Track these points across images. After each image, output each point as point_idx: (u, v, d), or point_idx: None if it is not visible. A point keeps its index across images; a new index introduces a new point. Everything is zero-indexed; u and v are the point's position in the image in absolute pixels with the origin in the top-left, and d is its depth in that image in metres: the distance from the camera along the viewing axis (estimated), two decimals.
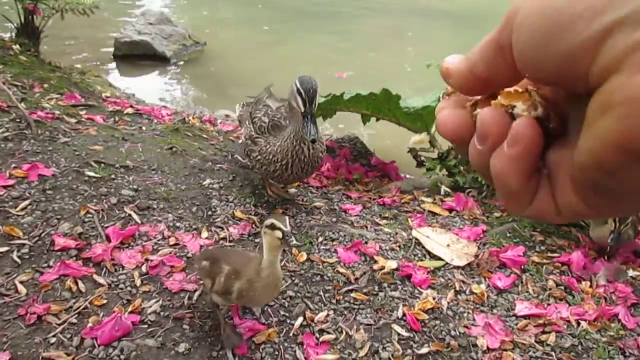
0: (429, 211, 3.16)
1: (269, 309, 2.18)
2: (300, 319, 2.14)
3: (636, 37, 0.34)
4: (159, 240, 2.50)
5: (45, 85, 4.32)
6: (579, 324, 2.30)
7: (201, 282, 2.18)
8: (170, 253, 2.41)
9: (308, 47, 8.32)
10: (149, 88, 6.17)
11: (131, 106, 4.32)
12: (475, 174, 3.45)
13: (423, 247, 2.71)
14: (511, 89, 0.46)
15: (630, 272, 2.72)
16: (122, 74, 6.48)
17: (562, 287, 2.55)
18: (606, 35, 0.35)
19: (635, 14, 0.34)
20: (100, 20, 8.32)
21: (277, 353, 1.98)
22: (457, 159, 3.63)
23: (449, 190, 3.46)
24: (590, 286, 2.58)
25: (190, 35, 7.45)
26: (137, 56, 6.80)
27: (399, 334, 2.14)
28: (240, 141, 4.02)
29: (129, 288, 2.20)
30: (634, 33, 0.34)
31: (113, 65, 6.73)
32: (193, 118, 4.47)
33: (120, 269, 2.30)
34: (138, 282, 2.23)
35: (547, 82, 0.44)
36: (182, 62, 7.12)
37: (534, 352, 2.13)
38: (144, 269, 2.30)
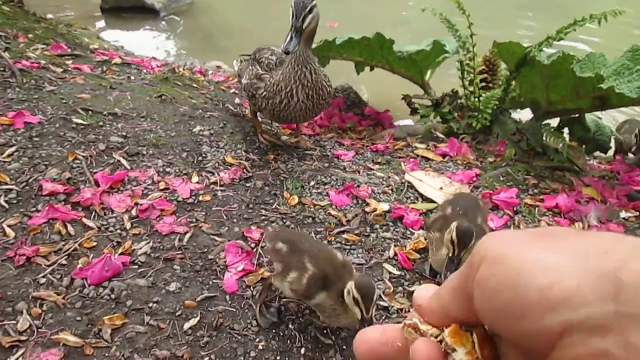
0: (422, 156, 3.14)
1: (259, 250, 2.17)
2: None
3: (591, 347, 0.34)
4: (148, 185, 2.47)
5: (30, 36, 4.21)
6: None
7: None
8: (160, 197, 2.39)
9: None
10: (138, 41, 6.02)
11: (120, 57, 4.23)
12: (470, 120, 3.41)
13: (415, 190, 2.70)
14: (461, 328, 0.46)
15: (623, 214, 2.72)
16: (111, 27, 6.32)
17: None
18: (562, 334, 0.36)
19: (589, 320, 0.35)
20: None
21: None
22: (451, 106, 3.58)
23: (442, 136, 3.43)
24: (583, 227, 2.58)
25: None
26: (125, 9, 6.62)
27: (390, 273, 2.14)
28: (233, 91, 3.95)
29: (118, 231, 2.18)
30: (588, 341, 0.35)
31: (101, 18, 6.56)
32: (184, 69, 4.38)
33: (110, 212, 2.28)
34: (128, 225, 2.21)
35: (504, 336, 0.44)
36: (172, 15, 6.94)
37: None
38: (133, 212, 2.28)
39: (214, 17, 7.01)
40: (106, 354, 1.67)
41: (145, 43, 6.00)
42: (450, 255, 1.76)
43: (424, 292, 0.51)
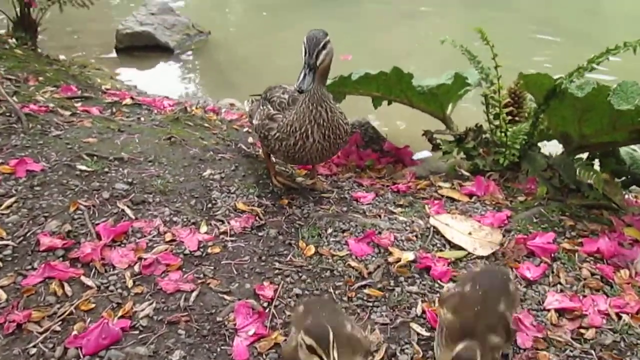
0: (447, 197, 2.93)
1: (273, 310, 1.97)
2: None
3: None
4: (153, 237, 2.30)
5: (41, 79, 4.15)
6: (619, 317, 2.06)
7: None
8: (166, 250, 2.22)
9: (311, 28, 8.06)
10: (152, 80, 5.97)
11: (131, 97, 4.13)
12: (496, 156, 3.20)
13: (442, 236, 2.48)
14: None
15: None
16: (125, 66, 6.29)
17: (598, 277, 2.30)
18: None
19: None
20: (104, 14, 8.17)
21: (282, 359, 1.78)
22: (476, 141, 3.38)
23: (467, 174, 3.22)
24: (630, 275, 2.33)
25: (194, 25, 7.23)
26: (139, 48, 6.60)
27: (418, 334, 1.92)
28: (246, 129, 3.81)
29: (119, 290, 2.00)
30: None
31: (115, 58, 6.55)
32: (196, 108, 4.27)
33: (111, 269, 2.10)
34: (130, 283, 2.03)
35: None
36: (186, 53, 6.92)
37: (572, 351, 1.90)
38: (136, 268, 2.11)
39: (228, 54, 6.96)
40: None
41: (159, 82, 5.94)
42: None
43: None
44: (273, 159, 2.93)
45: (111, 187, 2.58)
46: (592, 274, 2.31)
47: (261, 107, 2.69)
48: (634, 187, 3.52)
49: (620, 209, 3.01)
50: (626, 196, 3.41)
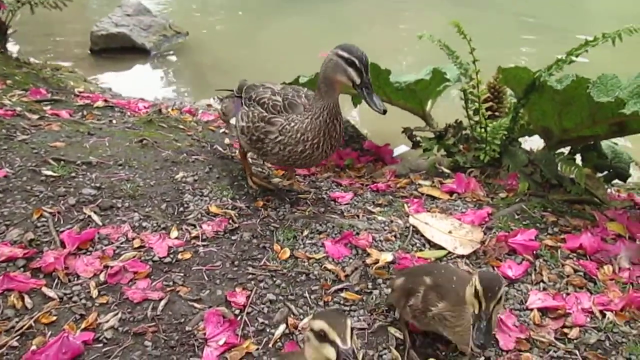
0: (427, 195, 2.86)
1: (245, 317, 1.88)
2: (282, 326, 1.84)
3: None
4: (121, 244, 2.20)
5: (9, 82, 4.02)
6: (604, 315, 2.00)
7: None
8: (134, 257, 2.11)
9: (291, 30, 7.96)
10: (128, 82, 5.84)
11: (105, 100, 4.01)
12: (477, 152, 3.14)
13: (422, 235, 2.41)
14: None
15: None
16: (100, 69, 6.15)
17: (581, 274, 2.25)
18: None
19: None
20: (79, 15, 8.00)
21: None
22: (456, 138, 3.33)
23: (448, 171, 3.16)
24: (613, 271, 2.28)
25: (171, 26, 7.11)
26: (115, 49, 6.47)
27: (397, 338, 1.84)
28: (222, 130, 3.71)
29: (83, 301, 1.90)
30: None
31: (90, 60, 6.40)
32: (172, 109, 4.17)
33: (75, 278, 2.00)
34: (94, 293, 1.93)
35: None
36: (163, 54, 6.79)
37: (555, 352, 1.83)
38: (102, 277, 2.01)
39: (205, 55, 6.85)
40: None
41: (135, 84, 5.82)
42: (477, 312, 1.45)
43: None
44: (249, 159, 2.84)
45: (78, 193, 2.47)
46: (575, 271, 2.26)
47: (247, 109, 2.56)
48: (616, 181, 3.50)
49: (602, 203, 2.97)
50: (608, 190, 3.37)
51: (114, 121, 3.54)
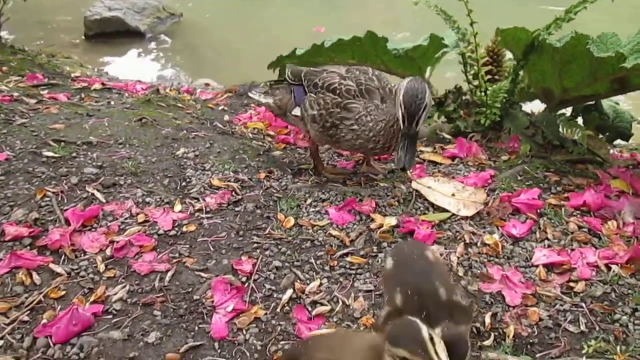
0: (429, 161, 2.85)
1: (252, 284, 1.89)
2: (290, 291, 1.86)
3: None
4: (125, 219, 2.21)
5: (5, 68, 4.00)
6: (609, 268, 2.00)
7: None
8: (139, 232, 2.12)
9: (285, 8, 7.87)
10: (124, 66, 5.83)
11: (102, 83, 3.99)
12: (478, 117, 3.13)
13: (425, 199, 2.41)
14: None
15: None
16: (96, 54, 6.13)
17: (586, 230, 2.25)
18: None
19: None
20: (71, 1, 7.92)
21: (264, 333, 1.71)
22: (456, 104, 3.30)
23: (449, 137, 3.15)
24: (617, 226, 2.28)
25: (165, 7, 7.05)
26: (109, 34, 6.43)
27: None
28: (222, 107, 3.69)
29: (91, 275, 1.91)
30: None
31: (85, 45, 6.37)
32: (170, 90, 4.14)
33: (82, 254, 2.01)
34: (101, 268, 1.94)
35: None
36: (158, 36, 6.74)
37: (562, 305, 1.85)
38: (108, 252, 2.02)
39: (201, 35, 6.80)
40: None
41: (131, 67, 5.80)
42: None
43: None
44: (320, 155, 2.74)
45: (80, 172, 2.48)
46: (580, 227, 2.26)
47: (315, 96, 2.46)
48: (618, 141, 3.49)
49: (605, 162, 2.96)
50: (611, 151, 3.36)
51: (112, 102, 3.52)
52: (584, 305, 1.84)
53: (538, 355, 1.68)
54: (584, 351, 1.68)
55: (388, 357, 1.07)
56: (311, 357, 1.23)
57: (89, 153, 2.65)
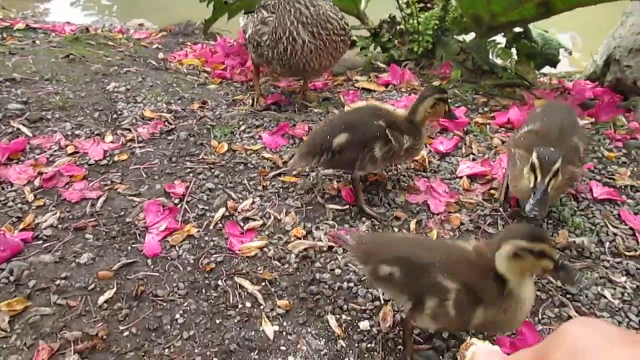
0: (363, 88, 2.89)
1: (185, 205, 1.91)
2: (222, 210, 1.89)
3: None
4: (54, 152, 2.17)
5: None
6: None
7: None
8: (69, 162, 2.09)
9: None
10: (54, 10, 5.51)
11: (27, 24, 3.79)
12: (411, 45, 3.17)
13: None
14: None
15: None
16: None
17: None
18: None
19: None
20: None
21: (196, 248, 1.74)
22: (390, 33, 3.33)
23: (384, 66, 3.18)
24: None
25: None
26: None
27: (334, 211, 1.92)
28: (155, 46, 3.59)
29: (19, 205, 1.88)
30: None
31: None
32: (102, 30, 3.98)
33: (9, 186, 1.97)
34: (30, 198, 1.91)
35: None
36: None
37: (482, 210, 1.96)
38: (36, 183, 1.98)
39: None
40: (4, 345, 1.41)
41: (59, 11, 5.50)
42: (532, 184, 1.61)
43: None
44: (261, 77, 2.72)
45: (3, 108, 2.39)
46: (504, 142, 2.37)
47: (255, 15, 2.43)
48: (548, 69, 3.61)
49: (532, 85, 3.08)
50: (541, 79, 3.49)
51: (38, 42, 3.37)
52: (501, 210, 1.96)
53: None
54: None
55: (522, 254, 1.17)
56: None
57: (13, 89, 2.55)
